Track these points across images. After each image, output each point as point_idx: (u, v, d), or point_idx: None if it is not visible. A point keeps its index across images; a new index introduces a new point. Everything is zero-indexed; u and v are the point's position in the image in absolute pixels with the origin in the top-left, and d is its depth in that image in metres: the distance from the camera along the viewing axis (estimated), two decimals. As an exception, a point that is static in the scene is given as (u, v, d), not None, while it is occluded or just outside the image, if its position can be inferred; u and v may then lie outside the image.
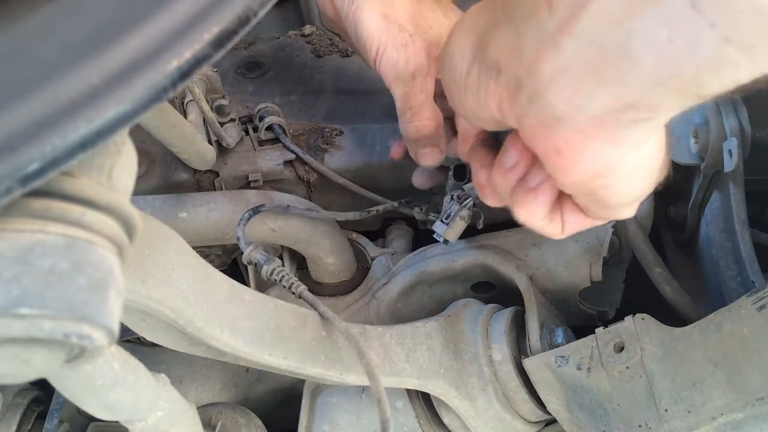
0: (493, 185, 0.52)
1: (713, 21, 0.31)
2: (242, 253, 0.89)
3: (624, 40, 0.34)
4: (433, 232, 0.76)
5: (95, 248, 0.33)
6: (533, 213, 0.49)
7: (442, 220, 0.68)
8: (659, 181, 0.46)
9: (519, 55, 0.39)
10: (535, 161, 0.48)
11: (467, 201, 0.68)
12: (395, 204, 0.81)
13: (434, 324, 0.70)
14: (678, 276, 0.77)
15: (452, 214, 0.67)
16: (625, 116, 0.37)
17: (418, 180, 0.78)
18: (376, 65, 0.65)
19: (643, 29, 0.34)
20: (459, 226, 0.68)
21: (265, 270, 0.65)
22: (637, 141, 0.40)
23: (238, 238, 0.68)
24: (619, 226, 0.79)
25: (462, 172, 0.73)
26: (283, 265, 0.66)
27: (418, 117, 0.67)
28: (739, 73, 0.33)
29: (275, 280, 0.64)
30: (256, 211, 0.72)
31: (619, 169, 0.42)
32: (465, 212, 0.67)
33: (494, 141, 0.55)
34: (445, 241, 0.69)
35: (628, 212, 0.47)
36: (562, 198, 0.49)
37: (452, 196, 0.70)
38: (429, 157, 0.70)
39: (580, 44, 0.36)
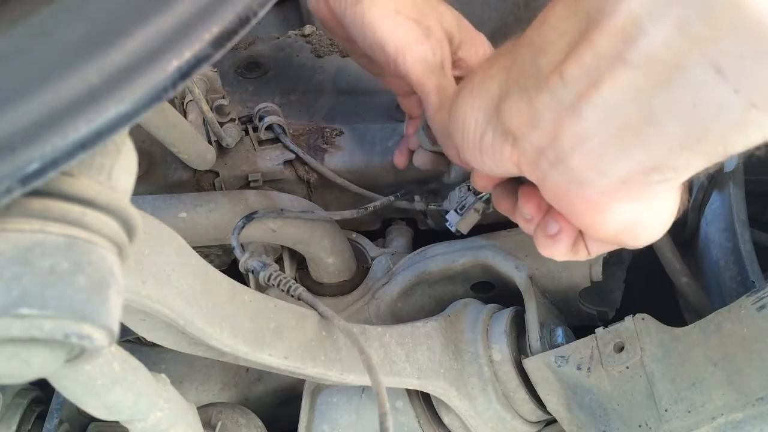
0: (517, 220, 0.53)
1: (738, 87, 0.31)
2: (242, 253, 0.89)
3: (647, 107, 0.34)
4: (434, 228, 0.75)
5: (95, 248, 0.33)
6: (555, 254, 0.49)
7: (456, 210, 0.66)
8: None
9: (536, 124, 0.38)
10: (550, 210, 0.48)
11: (484, 194, 0.66)
12: (391, 198, 0.80)
13: (434, 324, 0.70)
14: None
15: (467, 206, 0.66)
16: (649, 178, 0.37)
17: (420, 160, 0.74)
18: (397, 64, 0.61)
19: (666, 97, 0.33)
20: (472, 218, 0.66)
21: (262, 276, 0.65)
22: (662, 197, 0.41)
23: (233, 248, 0.68)
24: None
25: None
26: (280, 269, 0.66)
27: None
28: (766, 131, 0.33)
29: (273, 284, 0.64)
30: (249, 218, 0.72)
31: (645, 222, 0.42)
32: (480, 204, 0.66)
33: (514, 179, 0.54)
34: (457, 231, 0.68)
35: (651, 242, 0.47)
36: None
37: (468, 186, 0.68)
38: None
39: (602, 112, 0.35)
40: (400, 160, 0.77)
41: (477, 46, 0.67)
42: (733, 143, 0.33)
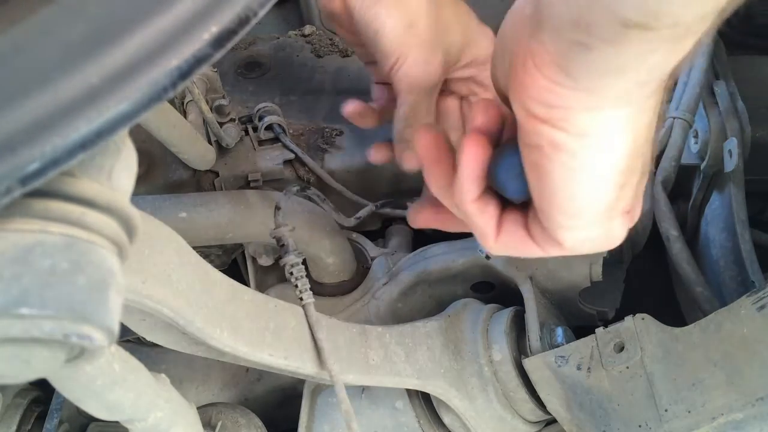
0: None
1: None
2: (242, 252, 0.90)
3: None
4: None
5: (95, 248, 0.33)
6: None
7: None
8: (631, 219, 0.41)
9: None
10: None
11: None
12: (372, 207, 0.84)
13: (434, 324, 0.70)
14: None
15: None
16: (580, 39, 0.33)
17: (411, 161, 0.69)
18: (392, 72, 0.64)
19: None
20: None
21: (285, 261, 0.63)
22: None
23: (277, 210, 0.66)
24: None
25: None
26: (305, 267, 0.64)
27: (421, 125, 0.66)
28: None
29: (288, 273, 0.63)
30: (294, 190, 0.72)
31: (568, 140, 0.37)
32: None
33: None
34: (487, 258, 0.73)
35: (570, 235, 0.42)
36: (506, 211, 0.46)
37: None
38: (413, 161, 0.66)
39: None
40: (376, 156, 0.72)
41: (481, 45, 0.69)
42: None
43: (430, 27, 0.63)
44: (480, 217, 0.46)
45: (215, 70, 0.86)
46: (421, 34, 0.62)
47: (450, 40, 0.66)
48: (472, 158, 0.44)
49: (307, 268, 0.86)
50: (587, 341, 0.63)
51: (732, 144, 0.74)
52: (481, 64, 0.70)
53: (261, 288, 0.87)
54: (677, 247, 0.77)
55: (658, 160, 0.81)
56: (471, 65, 0.69)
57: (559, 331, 0.68)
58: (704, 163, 0.78)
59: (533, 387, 0.66)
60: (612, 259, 0.80)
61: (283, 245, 0.64)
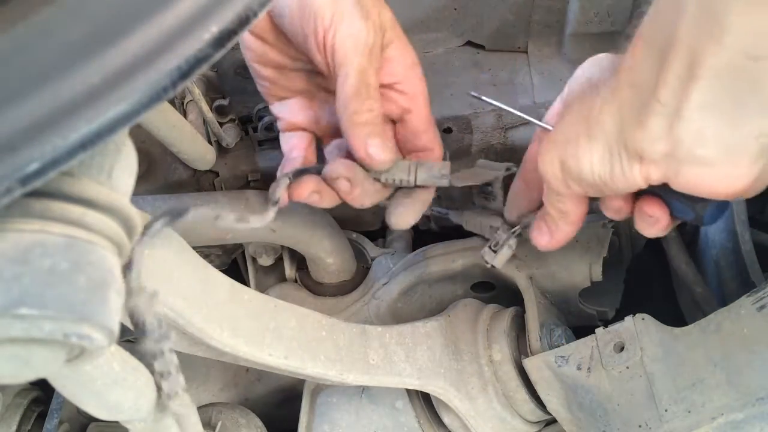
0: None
1: None
2: (242, 252, 0.90)
3: (752, 77, 0.40)
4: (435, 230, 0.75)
5: (95, 248, 0.33)
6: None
7: (490, 247, 0.72)
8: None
9: (657, 140, 0.45)
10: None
11: (515, 228, 0.70)
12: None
13: (434, 324, 0.70)
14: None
15: (501, 242, 0.71)
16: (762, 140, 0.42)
17: (375, 149, 0.61)
18: (327, 38, 0.57)
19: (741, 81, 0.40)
20: (507, 253, 0.71)
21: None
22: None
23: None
24: (620, 230, 0.79)
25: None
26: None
27: (374, 97, 0.59)
28: None
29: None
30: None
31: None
32: (513, 240, 0.70)
33: None
34: (492, 267, 0.73)
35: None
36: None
37: (499, 227, 0.73)
38: (382, 149, 0.60)
39: (699, 109, 0.42)
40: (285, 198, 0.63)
41: (405, 49, 0.63)
42: None
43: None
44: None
45: (215, 70, 0.86)
46: (351, 3, 0.58)
47: (383, 18, 0.61)
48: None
49: (306, 268, 0.87)
50: (587, 341, 0.63)
51: (732, 144, 0.74)
52: (393, 72, 0.63)
53: (261, 288, 0.87)
54: (677, 247, 0.77)
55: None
56: (385, 67, 0.62)
57: (559, 331, 0.68)
58: (704, 163, 0.77)
59: (533, 387, 0.66)
60: (612, 259, 0.80)
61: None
